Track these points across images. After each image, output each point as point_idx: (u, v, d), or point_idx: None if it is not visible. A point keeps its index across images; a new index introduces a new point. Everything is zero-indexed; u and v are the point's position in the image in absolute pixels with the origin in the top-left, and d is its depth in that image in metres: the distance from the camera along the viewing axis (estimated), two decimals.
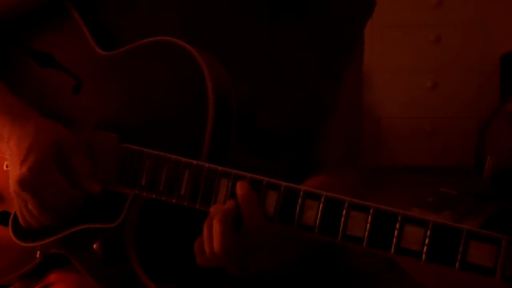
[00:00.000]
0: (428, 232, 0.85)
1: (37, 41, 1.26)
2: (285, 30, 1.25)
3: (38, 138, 1.12)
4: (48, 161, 1.10)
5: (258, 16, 1.23)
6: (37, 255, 1.21)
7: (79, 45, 1.21)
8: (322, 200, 0.92)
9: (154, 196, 1.06)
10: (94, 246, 1.12)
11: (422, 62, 3.91)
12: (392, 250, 0.88)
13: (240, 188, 0.97)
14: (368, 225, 0.89)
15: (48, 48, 1.24)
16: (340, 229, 0.91)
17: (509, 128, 3.48)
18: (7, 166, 1.25)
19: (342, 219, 0.91)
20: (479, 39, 3.88)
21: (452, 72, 3.94)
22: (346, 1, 1.31)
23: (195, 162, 1.03)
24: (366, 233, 0.89)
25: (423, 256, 0.85)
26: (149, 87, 1.12)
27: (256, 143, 1.22)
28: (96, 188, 1.12)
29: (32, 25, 1.27)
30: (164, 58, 1.11)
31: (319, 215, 0.92)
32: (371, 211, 0.89)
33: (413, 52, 3.90)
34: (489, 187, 3.38)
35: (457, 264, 0.83)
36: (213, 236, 0.97)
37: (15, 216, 1.22)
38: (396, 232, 0.87)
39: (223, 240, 0.96)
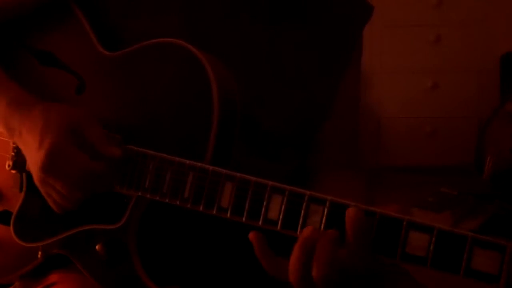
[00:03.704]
0: (433, 239, 0.85)
1: (40, 40, 1.26)
2: (285, 30, 1.25)
3: (48, 121, 1.11)
4: (63, 141, 1.09)
5: (258, 17, 1.24)
6: (39, 255, 1.21)
7: (82, 45, 1.21)
8: (327, 204, 0.92)
9: (157, 198, 1.06)
10: (97, 247, 1.12)
11: (422, 62, 3.91)
12: (397, 256, 0.88)
13: (355, 214, 0.91)
14: (373, 230, 0.89)
15: (52, 48, 1.24)
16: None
17: (509, 128, 3.47)
18: (8, 166, 1.25)
19: None
20: (479, 39, 3.88)
21: (452, 72, 3.93)
22: (346, 2, 1.31)
23: (199, 164, 1.03)
24: (372, 237, 0.89)
25: (428, 263, 0.86)
26: (153, 88, 1.12)
27: (257, 144, 1.22)
28: (117, 151, 1.10)
29: (36, 25, 1.27)
30: (168, 59, 1.11)
31: (323, 220, 0.92)
32: (377, 216, 0.89)
33: (413, 52, 3.90)
34: (489, 187, 3.38)
35: (461, 271, 0.84)
36: (316, 264, 0.91)
37: (17, 215, 1.22)
38: (401, 238, 0.87)
39: (328, 271, 0.91)
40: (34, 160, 1.11)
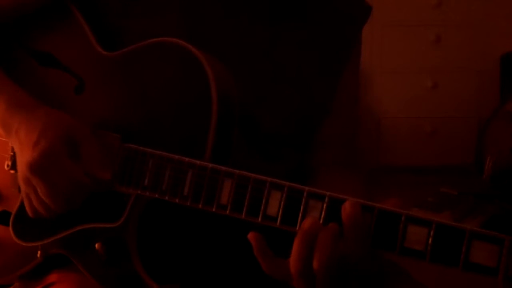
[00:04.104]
0: (432, 232, 0.85)
1: (40, 41, 1.26)
2: (285, 30, 1.25)
3: (49, 125, 1.11)
4: (60, 146, 1.09)
5: (258, 17, 1.24)
6: (38, 255, 1.21)
7: (81, 46, 1.21)
8: (326, 200, 0.92)
9: (157, 196, 1.06)
10: (96, 246, 1.12)
11: (422, 62, 3.91)
12: (396, 250, 0.88)
13: (351, 209, 0.90)
14: (372, 225, 0.89)
15: (51, 48, 1.24)
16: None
17: (509, 128, 3.47)
18: (7, 166, 1.25)
19: None
20: (479, 39, 3.88)
21: (452, 72, 3.93)
22: (345, 3, 1.32)
23: (198, 162, 1.03)
24: (370, 233, 0.89)
25: (427, 256, 0.86)
26: (152, 87, 1.12)
27: (257, 144, 1.22)
28: (106, 175, 1.11)
29: (35, 26, 1.27)
30: (167, 58, 1.11)
31: (322, 215, 0.92)
32: (375, 211, 0.89)
33: (413, 52, 3.90)
34: (489, 187, 3.38)
35: (460, 264, 0.84)
36: (317, 255, 0.91)
37: (16, 215, 1.22)
38: (399, 232, 0.87)
39: (329, 263, 0.90)
40: (25, 159, 1.10)
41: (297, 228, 0.94)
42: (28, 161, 1.09)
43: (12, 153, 1.24)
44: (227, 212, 1.00)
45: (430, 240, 0.85)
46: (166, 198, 1.05)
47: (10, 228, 1.23)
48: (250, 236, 0.94)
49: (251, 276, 1.15)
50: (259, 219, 0.97)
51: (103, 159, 1.12)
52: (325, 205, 0.92)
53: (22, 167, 1.11)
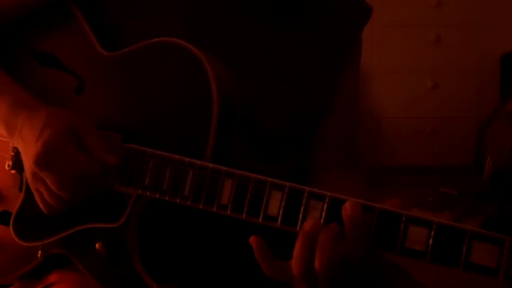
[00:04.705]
0: (432, 233, 0.85)
1: (40, 41, 1.26)
2: (285, 30, 1.25)
3: (51, 120, 1.11)
4: (63, 136, 1.09)
5: (259, 17, 1.24)
6: (38, 255, 1.21)
7: (82, 46, 1.21)
8: (326, 200, 0.92)
9: (157, 196, 1.06)
10: (97, 246, 1.12)
11: (422, 62, 3.92)
12: (397, 251, 0.88)
13: (352, 209, 0.90)
14: (372, 225, 0.89)
15: (51, 49, 1.24)
16: None
17: (509, 128, 3.48)
18: (8, 166, 1.25)
19: None
20: (479, 39, 3.89)
21: (452, 72, 3.94)
22: (345, 3, 1.32)
23: (199, 162, 1.03)
24: (371, 233, 0.90)
25: (427, 257, 0.86)
26: (152, 87, 1.12)
27: (257, 144, 1.22)
28: (112, 159, 1.10)
29: (35, 26, 1.27)
30: (167, 58, 1.11)
31: (323, 215, 0.92)
32: (376, 211, 0.89)
33: (413, 52, 3.90)
34: (489, 187, 3.39)
35: (460, 264, 0.84)
36: (318, 256, 0.90)
37: (17, 215, 1.22)
38: (400, 233, 0.87)
39: (330, 263, 0.90)
40: (29, 154, 1.10)
41: (298, 228, 0.94)
42: (34, 154, 1.09)
43: (13, 153, 1.24)
44: (228, 212, 1.00)
45: (430, 240, 0.85)
46: (167, 198, 1.05)
47: (11, 228, 1.22)
48: (251, 240, 0.94)
49: (251, 276, 1.15)
50: (260, 219, 0.97)
51: (107, 146, 1.11)
52: (325, 205, 0.92)
53: (28, 163, 1.11)
